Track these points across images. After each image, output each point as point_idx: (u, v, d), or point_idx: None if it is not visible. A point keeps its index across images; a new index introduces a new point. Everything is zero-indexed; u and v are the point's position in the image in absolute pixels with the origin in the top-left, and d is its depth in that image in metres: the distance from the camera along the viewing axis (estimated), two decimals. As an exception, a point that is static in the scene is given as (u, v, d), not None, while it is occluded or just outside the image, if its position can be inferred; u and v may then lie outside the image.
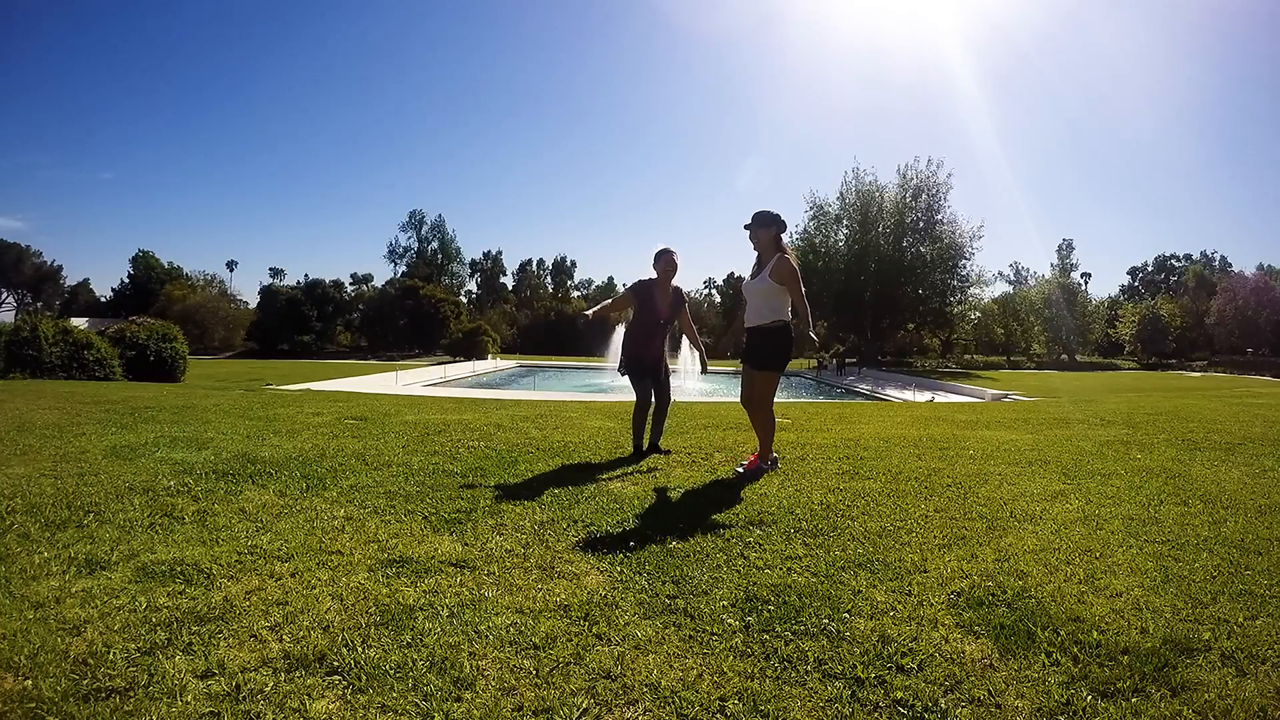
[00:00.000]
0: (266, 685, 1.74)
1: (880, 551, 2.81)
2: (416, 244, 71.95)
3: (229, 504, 3.27)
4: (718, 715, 1.69)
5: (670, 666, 1.90)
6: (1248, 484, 4.08)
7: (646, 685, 1.80)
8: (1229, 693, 1.79)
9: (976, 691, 1.79)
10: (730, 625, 2.14)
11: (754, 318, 4.19)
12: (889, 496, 3.68)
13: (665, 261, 4.71)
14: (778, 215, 4.21)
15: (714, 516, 3.27)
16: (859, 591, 2.41)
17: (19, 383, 10.69)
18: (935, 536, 3.02)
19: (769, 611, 2.23)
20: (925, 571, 2.60)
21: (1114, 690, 1.81)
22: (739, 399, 4.48)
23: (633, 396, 4.92)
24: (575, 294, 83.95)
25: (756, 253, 4.29)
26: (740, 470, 4.14)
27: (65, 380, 11.92)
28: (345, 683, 1.77)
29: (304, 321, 55.41)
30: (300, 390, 11.84)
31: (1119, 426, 6.56)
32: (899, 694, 1.78)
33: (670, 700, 1.74)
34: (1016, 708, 1.73)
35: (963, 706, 1.73)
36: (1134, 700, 1.76)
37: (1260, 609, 2.29)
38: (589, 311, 4.94)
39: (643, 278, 4.86)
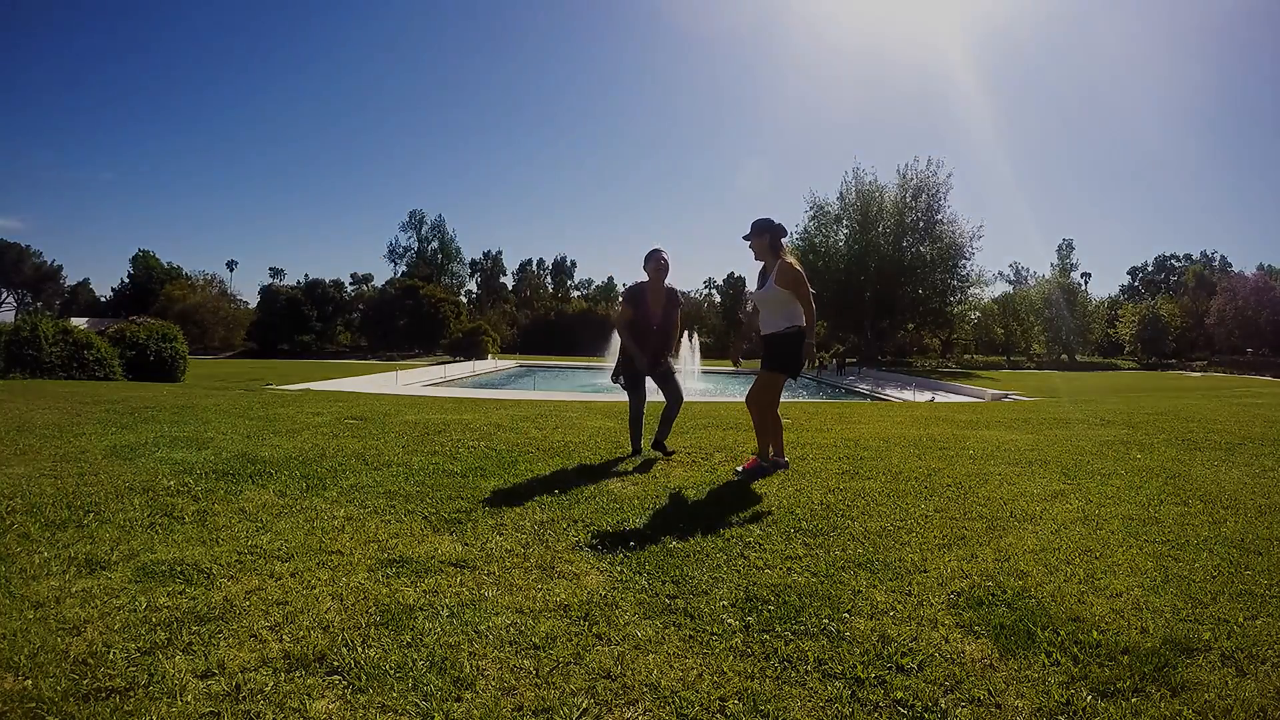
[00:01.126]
0: (266, 685, 1.74)
1: (880, 551, 2.81)
2: (416, 244, 72.01)
3: (229, 504, 3.27)
4: (718, 715, 1.69)
5: (670, 666, 1.90)
6: (1248, 484, 4.08)
7: (646, 685, 1.80)
8: (1229, 693, 1.79)
9: (976, 691, 1.80)
10: (730, 625, 2.15)
11: (768, 326, 4.17)
12: (889, 496, 3.68)
13: (655, 262, 4.64)
14: (771, 221, 4.19)
15: (714, 516, 3.27)
16: (859, 591, 2.41)
17: (19, 382, 10.70)
18: (935, 536, 3.02)
19: (769, 611, 2.23)
20: (925, 571, 2.60)
21: (1114, 690, 1.81)
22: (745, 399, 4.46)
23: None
24: (575, 294, 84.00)
25: (760, 262, 4.27)
26: (740, 471, 4.14)
27: (65, 380, 11.93)
28: (345, 683, 1.77)
29: (304, 321, 55.45)
30: (300, 390, 11.85)
31: (1119, 426, 6.56)
32: (899, 694, 1.78)
33: (670, 700, 1.74)
34: (1016, 708, 1.73)
35: (963, 706, 1.73)
36: (1134, 700, 1.76)
37: (1260, 609, 2.29)
38: (626, 345, 4.71)
39: (638, 281, 4.81)
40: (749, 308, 4.43)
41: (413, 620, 2.11)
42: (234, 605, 2.17)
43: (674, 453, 4.75)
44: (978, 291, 41.68)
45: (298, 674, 1.80)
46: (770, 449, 4.27)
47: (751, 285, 4.47)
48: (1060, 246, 71.10)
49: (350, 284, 71.59)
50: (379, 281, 72.33)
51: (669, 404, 4.81)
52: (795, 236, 40.59)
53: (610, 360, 4.99)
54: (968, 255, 39.56)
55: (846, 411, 8.36)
